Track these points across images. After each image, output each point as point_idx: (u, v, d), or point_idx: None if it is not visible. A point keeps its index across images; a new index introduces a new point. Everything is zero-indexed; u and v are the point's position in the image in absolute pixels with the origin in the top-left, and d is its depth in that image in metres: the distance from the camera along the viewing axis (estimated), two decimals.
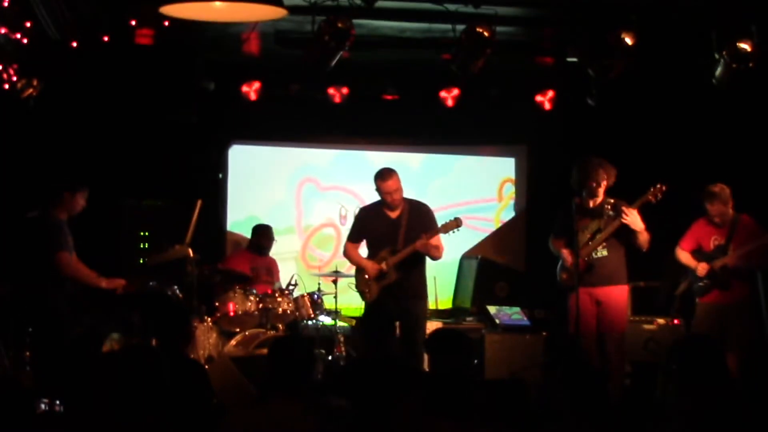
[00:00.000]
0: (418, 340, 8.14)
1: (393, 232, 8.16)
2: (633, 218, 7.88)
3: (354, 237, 8.46)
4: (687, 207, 8.74)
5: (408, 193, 8.37)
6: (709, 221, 8.26)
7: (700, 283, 8.24)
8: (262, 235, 10.00)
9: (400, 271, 8.12)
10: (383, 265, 8.14)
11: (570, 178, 8.14)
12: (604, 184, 8.01)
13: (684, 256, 8.35)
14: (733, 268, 8.10)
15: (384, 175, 8.16)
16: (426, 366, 8.74)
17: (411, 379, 4.40)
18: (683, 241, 8.39)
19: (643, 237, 7.95)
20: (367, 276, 8.25)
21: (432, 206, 8.44)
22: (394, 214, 8.22)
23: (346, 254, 8.51)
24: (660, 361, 8.62)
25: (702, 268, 8.19)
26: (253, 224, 10.23)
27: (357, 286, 8.42)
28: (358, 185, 10.74)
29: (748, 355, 8.05)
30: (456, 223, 8.09)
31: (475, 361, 8.49)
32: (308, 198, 11.30)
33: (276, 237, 10.19)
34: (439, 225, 8.16)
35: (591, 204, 8.06)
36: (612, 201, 8.00)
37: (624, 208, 7.87)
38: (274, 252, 10.18)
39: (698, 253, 8.28)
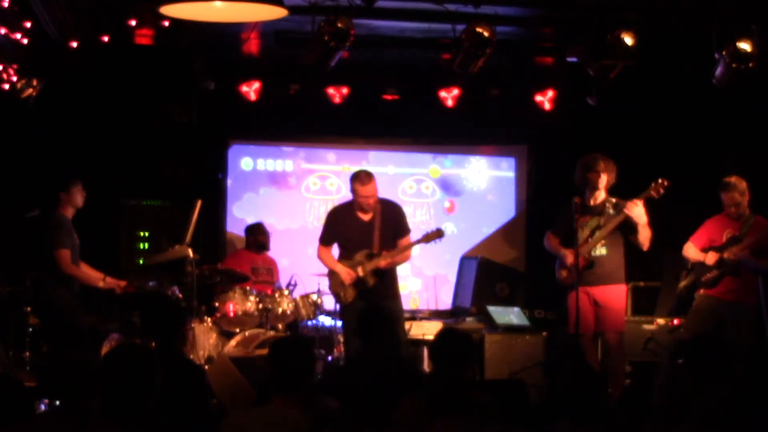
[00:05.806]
0: (401, 338, 8.07)
1: (367, 234, 8.10)
2: (638, 210, 7.84)
3: (326, 240, 8.33)
4: (687, 207, 8.73)
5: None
6: (724, 215, 8.16)
7: (708, 275, 8.10)
8: (258, 232, 9.97)
9: (376, 276, 8.06)
10: (359, 271, 8.07)
11: (574, 177, 8.14)
12: (604, 176, 8.00)
13: (692, 250, 8.21)
14: (740, 261, 8.02)
15: (363, 179, 8.06)
16: (426, 366, 8.79)
17: (402, 380, 4.40)
18: (694, 237, 8.26)
19: (645, 233, 7.89)
20: (343, 282, 8.15)
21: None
22: (366, 217, 8.14)
23: (319, 257, 8.38)
24: (659, 360, 8.63)
25: (711, 257, 8.08)
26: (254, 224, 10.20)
27: (331, 288, 8.34)
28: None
29: (749, 357, 8.02)
30: (437, 234, 8.11)
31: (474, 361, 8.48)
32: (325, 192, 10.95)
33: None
34: (422, 235, 8.16)
35: (592, 201, 8.05)
36: (614, 200, 7.98)
37: (629, 202, 7.84)
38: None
39: (709, 249, 8.22)
